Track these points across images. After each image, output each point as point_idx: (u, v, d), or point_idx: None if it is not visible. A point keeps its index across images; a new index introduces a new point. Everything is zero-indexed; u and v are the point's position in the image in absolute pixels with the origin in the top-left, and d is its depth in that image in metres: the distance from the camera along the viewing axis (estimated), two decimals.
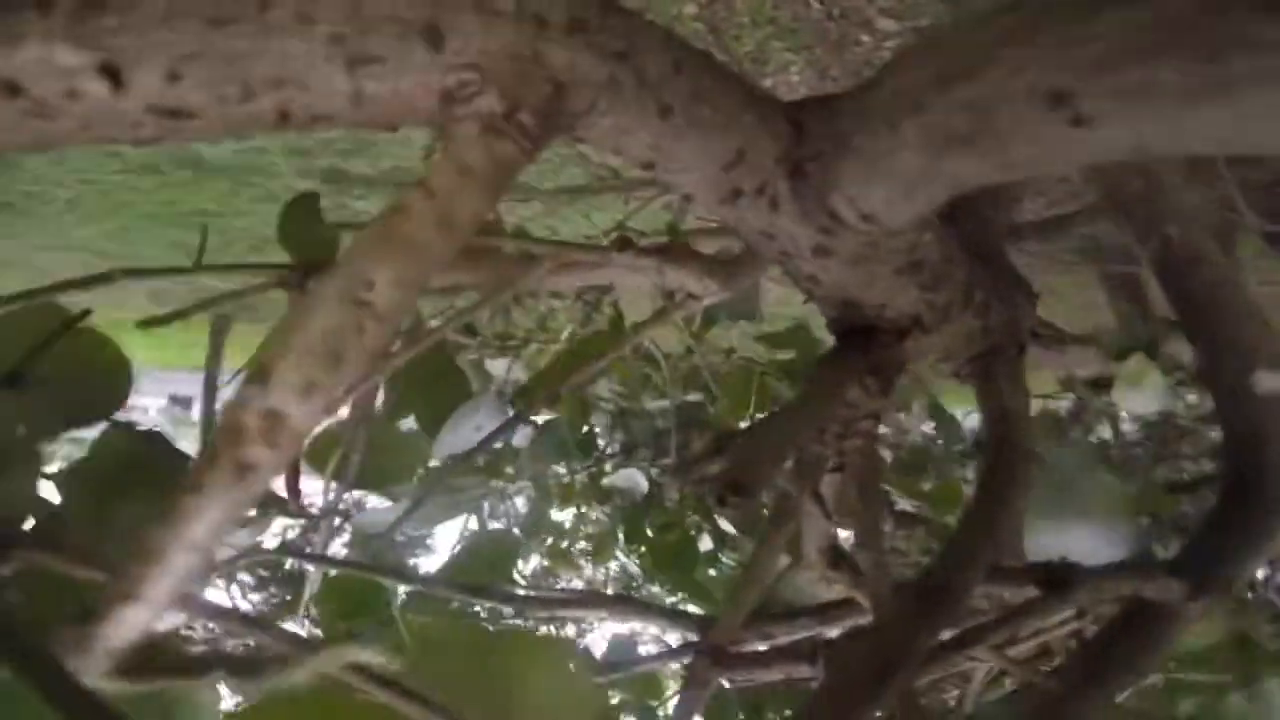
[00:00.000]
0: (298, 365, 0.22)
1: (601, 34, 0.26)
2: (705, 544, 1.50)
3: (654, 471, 1.49)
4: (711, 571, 1.50)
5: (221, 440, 0.21)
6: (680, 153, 0.30)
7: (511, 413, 0.94)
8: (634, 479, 1.45)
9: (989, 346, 0.37)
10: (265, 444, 0.22)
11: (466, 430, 0.86)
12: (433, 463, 0.99)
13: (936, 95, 0.24)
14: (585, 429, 1.49)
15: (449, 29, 0.23)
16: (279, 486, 0.71)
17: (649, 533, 1.48)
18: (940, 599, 0.31)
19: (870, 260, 0.31)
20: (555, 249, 0.73)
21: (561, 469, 1.46)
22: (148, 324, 0.63)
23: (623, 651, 1.21)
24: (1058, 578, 0.41)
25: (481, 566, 0.95)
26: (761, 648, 0.45)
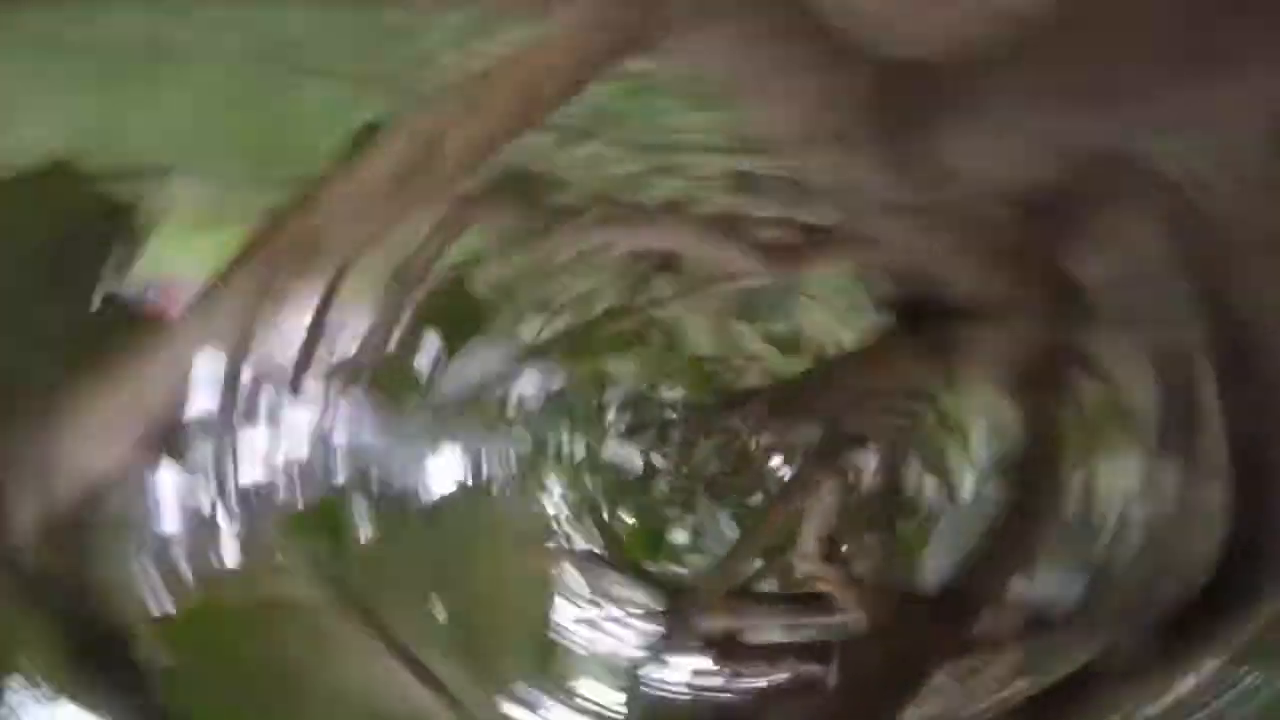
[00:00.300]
0: (355, 188, 0.21)
1: None
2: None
3: (653, 456, 1.48)
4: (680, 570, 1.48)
5: (256, 240, 0.20)
6: (771, 82, 0.29)
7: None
8: (630, 458, 1.44)
9: (1045, 361, 0.35)
10: (298, 256, 0.21)
11: (475, 365, 0.85)
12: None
13: (1061, 52, 0.22)
14: (597, 403, 1.49)
15: None
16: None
17: (628, 518, 1.47)
18: (960, 609, 0.29)
19: (939, 223, 0.30)
20: (607, 203, 0.72)
21: (564, 434, 1.45)
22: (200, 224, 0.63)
23: None
24: (1045, 616, 0.40)
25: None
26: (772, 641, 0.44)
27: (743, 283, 0.69)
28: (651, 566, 1.32)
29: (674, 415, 1.47)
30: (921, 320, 0.33)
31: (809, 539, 0.41)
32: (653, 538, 1.35)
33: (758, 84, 0.29)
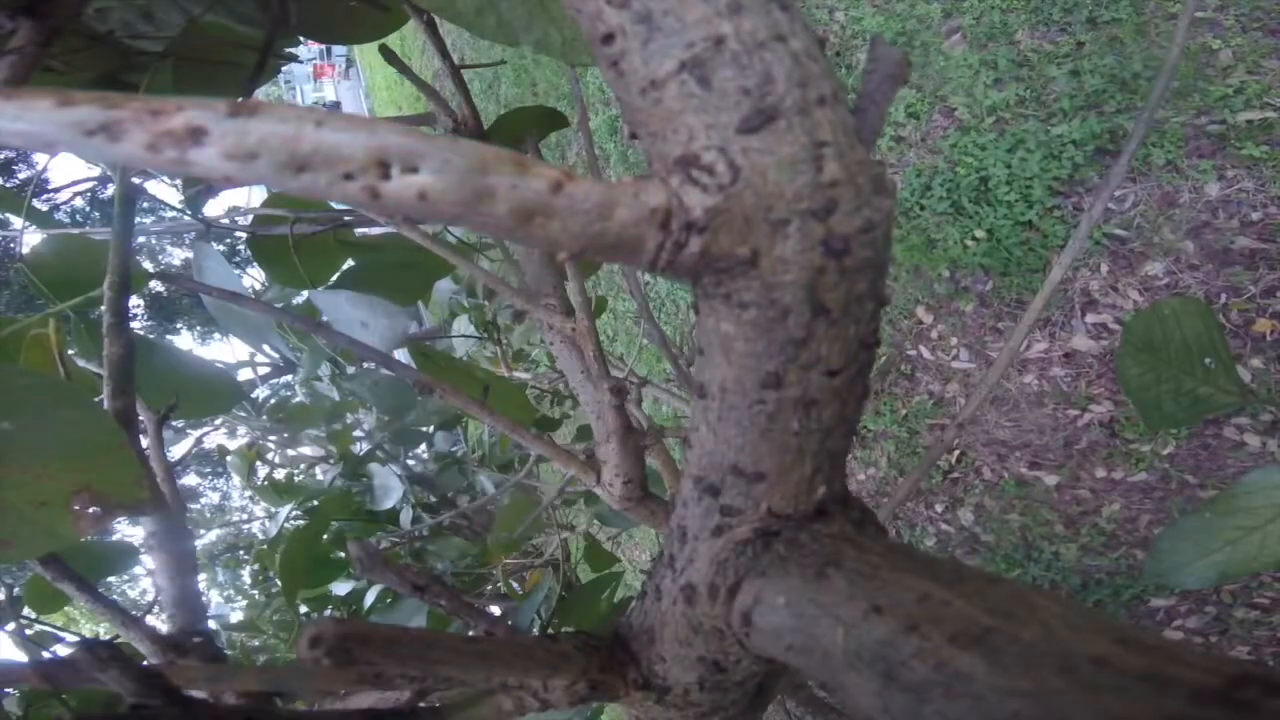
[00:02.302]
0: (288, 139, 0.18)
1: None
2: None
3: (413, 489, 1.42)
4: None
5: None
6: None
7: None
8: (388, 480, 1.37)
9: None
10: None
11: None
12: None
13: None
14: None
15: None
16: None
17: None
18: None
19: (695, 633, 0.29)
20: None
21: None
22: None
23: None
24: None
25: None
26: None
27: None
28: None
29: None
30: (620, 660, 0.31)
31: None
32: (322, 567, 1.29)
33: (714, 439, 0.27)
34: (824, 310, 0.20)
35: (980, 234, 2.56)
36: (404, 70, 0.80)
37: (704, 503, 0.26)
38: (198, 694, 0.38)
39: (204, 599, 0.56)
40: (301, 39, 0.83)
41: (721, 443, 0.24)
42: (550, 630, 1.20)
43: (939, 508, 2.67)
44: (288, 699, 0.52)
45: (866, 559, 0.22)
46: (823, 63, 0.21)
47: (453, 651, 0.29)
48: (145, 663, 0.47)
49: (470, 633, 0.40)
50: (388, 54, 0.80)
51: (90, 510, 0.51)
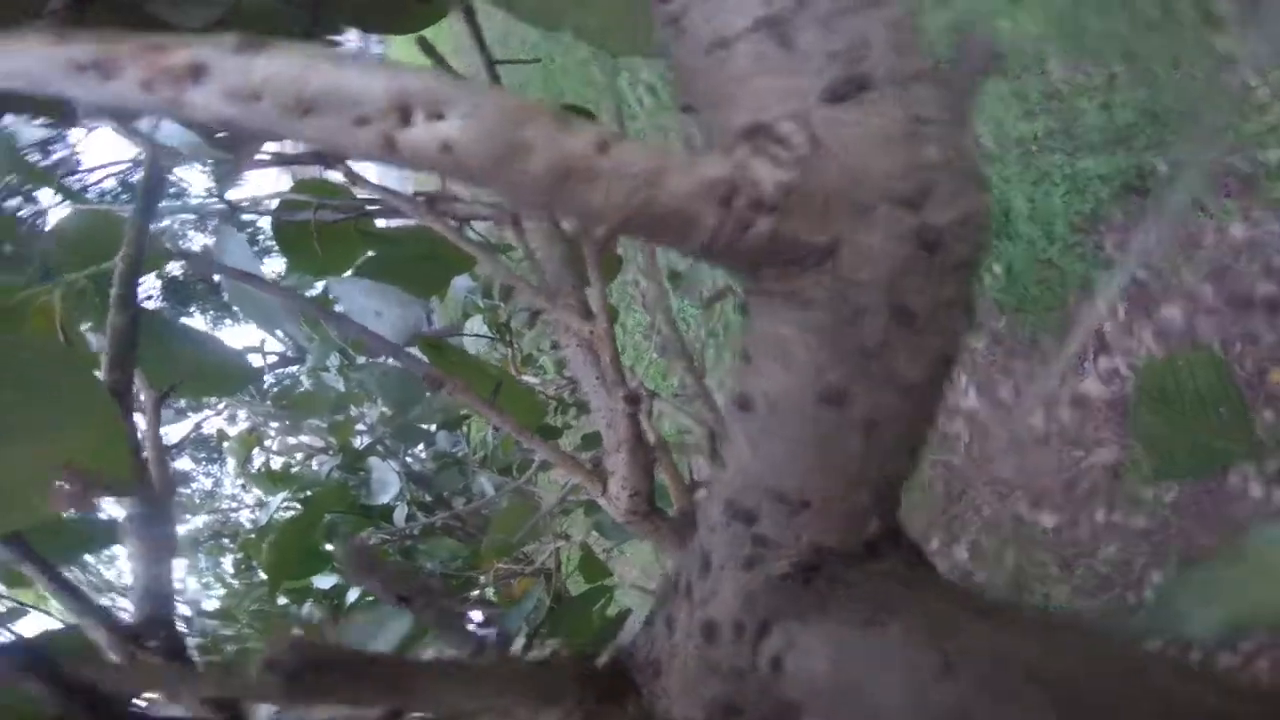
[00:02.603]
0: (295, 78, 0.16)
1: None
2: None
3: (410, 486, 1.39)
4: None
5: None
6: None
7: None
8: (386, 475, 1.34)
9: None
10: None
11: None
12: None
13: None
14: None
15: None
16: None
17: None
18: None
19: (711, 673, 0.26)
20: None
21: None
22: None
23: None
24: None
25: None
26: None
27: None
28: None
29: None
30: (619, 686, 0.29)
31: None
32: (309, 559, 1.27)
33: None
34: (907, 315, 0.17)
35: (998, 269, 2.52)
36: (441, 63, 0.79)
37: (734, 529, 0.23)
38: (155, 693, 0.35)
39: (175, 589, 0.53)
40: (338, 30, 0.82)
41: (762, 463, 0.21)
42: (538, 639, 1.17)
43: (935, 543, 2.62)
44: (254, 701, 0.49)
45: (924, 603, 0.19)
46: (917, 37, 0.18)
47: (433, 678, 0.26)
48: (104, 655, 0.45)
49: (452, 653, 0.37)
50: (425, 46, 0.79)
51: (72, 487, 0.48)
